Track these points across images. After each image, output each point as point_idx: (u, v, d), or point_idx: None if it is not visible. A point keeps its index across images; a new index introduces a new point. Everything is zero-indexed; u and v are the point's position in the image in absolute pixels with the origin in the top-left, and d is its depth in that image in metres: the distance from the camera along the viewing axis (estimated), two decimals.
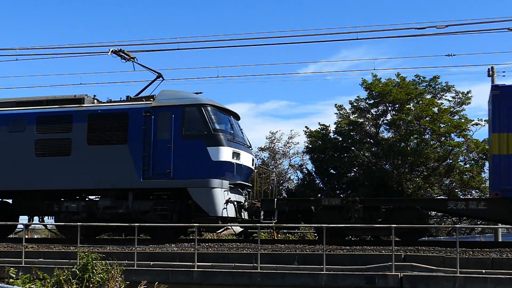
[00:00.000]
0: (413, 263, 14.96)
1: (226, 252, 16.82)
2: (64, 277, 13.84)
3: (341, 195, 33.59)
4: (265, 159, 39.27)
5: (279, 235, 26.27)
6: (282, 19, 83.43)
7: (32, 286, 14.38)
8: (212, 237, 25.88)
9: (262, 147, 39.16)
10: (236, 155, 19.71)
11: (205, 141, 19.23)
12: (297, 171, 38.83)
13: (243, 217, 19.88)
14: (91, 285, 13.65)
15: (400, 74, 34.86)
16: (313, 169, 36.06)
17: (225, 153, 19.28)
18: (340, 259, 15.65)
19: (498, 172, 17.68)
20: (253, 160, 21.37)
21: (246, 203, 20.09)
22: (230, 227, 21.50)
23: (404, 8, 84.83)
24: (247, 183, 20.79)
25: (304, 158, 38.63)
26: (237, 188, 20.04)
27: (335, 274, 14.77)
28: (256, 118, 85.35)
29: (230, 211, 19.12)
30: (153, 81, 22.17)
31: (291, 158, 39.84)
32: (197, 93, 20.78)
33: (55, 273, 14.09)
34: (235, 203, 19.48)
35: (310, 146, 36.02)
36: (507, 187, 17.46)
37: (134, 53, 22.31)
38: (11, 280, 14.78)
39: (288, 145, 39.98)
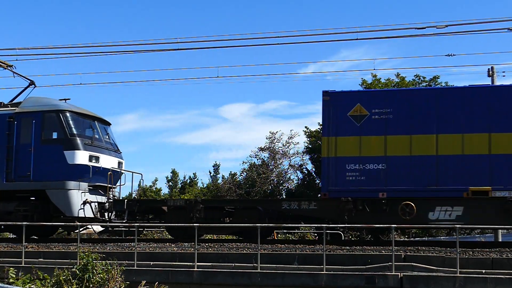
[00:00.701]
0: (413, 263, 14.97)
1: (226, 252, 16.83)
2: (64, 277, 13.85)
3: None
4: (265, 159, 39.27)
5: (277, 235, 26.26)
6: (282, 19, 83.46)
7: (32, 286, 14.39)
8: (212, 237, 25.89)
9: (262, 147, 39.12)
10: (94, 158, 21.18)
11: (62, 146, 20.82)
12: (297, 171, 38.83)
13: (105, 217, 21.07)
14: (91, 285, 13.66)
15: (400, 74, 34.92)
16: (313, 169, 36.05)
17: (81, 157, 20.79)
18: (340, 259, 15.66)
19: (326, 174, 19.02)
20: (119, 163, 22.67)
21: (107, 204, 21.12)
22: (89, 227, 22.78)
23: (404, 8, 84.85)
24: (112, 185, 21.81)
25: (304, 158, 38.63)
26: (98, 189, 21.30)
27: (335, 274, 14.78)
28: (256, 118, 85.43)
29: (87, 212, 20.55)
30: (25, 89, 23.85)
31: (291, 158, 39.82)
32: (64, 100, 22.24)
33: (55, 273, 14.10)
34: (95, 204, 20.84)
35: (310, 146, 36.03)
36: (334, 188, 18.77)
37: (134, 53, 22.34)
38: (11, 280, 14.79)
39: (288, 145, 39.98)
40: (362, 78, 36.02)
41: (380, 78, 34.94)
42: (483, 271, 14.29)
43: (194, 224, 17.27)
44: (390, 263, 14.66)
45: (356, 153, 18.87)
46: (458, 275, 13.99)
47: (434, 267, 14.74)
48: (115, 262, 14.48)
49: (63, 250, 18.26)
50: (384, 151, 18.70)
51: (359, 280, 14.52)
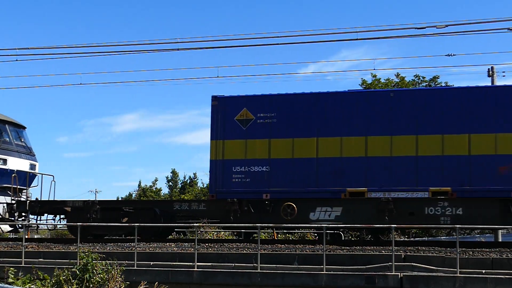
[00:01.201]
0: (413, 263, 14.97)
1: (226, 252, 16.83)
2: (64, 277, 13.85)
3: None
4: None
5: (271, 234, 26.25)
6: (282, 19, 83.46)
7: (32, 286, 14.39)
8: (212, 237, 25.90)
9: None
10: (2, 161, 22.44)
11: None
12: None
13: (14, 218, 21.84)
14: (91, 285, 13.67)
15: (399, 74, 34.93)
16: None
17: None
18: (340, 259, 15.66)
19: (214, 176, 20.03)
20: (32, 165, 23.75)
21: (15, 205, 21.76)
22: None
23: (404, 8, 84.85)
24: (22, 187, 22.89)
25: None
26: (7, 190, 22.27)
27: (335, 274, 14.78)
28: None
29: None
30: None
31: None
32: None
33: (55, 273, 14.11)
34: (4, 204, 21.84)
35: None
36: (221, 189, 19.84)
37: (134, 53, 22.31)
38: (11, 280, 14.79)
39: None
40: (362, 78, 36.07)
41: (380, 78, 34.99)
42: (483, 271, 14.29)
43: (195, 224, 17.29)
44: (390, 263, 14.66)
45: (242, 156, 19.85)
46: (458, 275, 13.99)
47: (434, 267, 14.74)
48: (115, 262, 14.48)
49: (63, 250, 18.25)
50: (268, 154, 19.68)
51: (359, 280, 14.52)
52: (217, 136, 20.10)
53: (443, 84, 35.07)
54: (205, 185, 50.05)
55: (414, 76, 34.90)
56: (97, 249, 16.94)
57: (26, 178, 23.08)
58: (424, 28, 19.36)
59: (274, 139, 19.69)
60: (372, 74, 34.75)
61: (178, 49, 21.62)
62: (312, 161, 19.36)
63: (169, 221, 20.09)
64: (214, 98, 20.27)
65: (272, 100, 20.00)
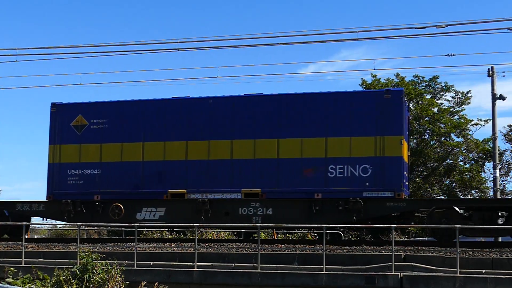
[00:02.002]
0: (413, 263, 14.96)
1: (226, 252, 16.82)
2: (64, 277, 13.85)
3: None
4: None
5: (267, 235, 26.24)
6: (282, 19, 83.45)
7: (32, 286, 14.38)
8: (213, 237, 25.92)
9: None
10: None
11: None
12: None
13: None
14: (91, 285, 13.66)
15: (399, 75, 34.90)
16: None
17: None
18: (340, 259, 15.65)
19: (51, 179, 21.36)
20: None
21: None
22: None
23: (404, 8, 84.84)
24: None
25: None
26: None
27: (335, 274, 14.78)
28: None
29: None
30: None
31: None
32: None
33: (55, 273, 14.10)
34: None
35: None
36: (58, 191, 21.15)
37: (134, 54, 22.31)
38: (11, 280, 14.78)
39: None
40: (362, 78, 36.02)
41: (380, 78, 34.94)
42: (483, 271, 14.28)
43: (194, 224, 17.30)
44: (390, 263, 14.66)
45: (76, 160, 21.21)
46: (458, 275, 13.99)
47: (434, 267, 14.73)
48: (115, 262, 14.48)
49: (63, 250, 18.25)
50: (100, 158, 21.06)
51: (359, 280, 14.52)
52: (54, 141, 21.47)
53: (443, 84, 35.06)
54: None
55: (414, 76, 34.90)
56: (97, 249, 16.94)
57: None
58: (424, 28, 19.36)
59: (105, 144, 21.07)
60: (372, 74, 34.73)
61: (178, 49, 21.61)
62: (139, 165, 20.71)
63: (17, 220, 21.29)
64: (53, 105, 21.66)
65: (104, 107, 21.37)
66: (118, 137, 20.94)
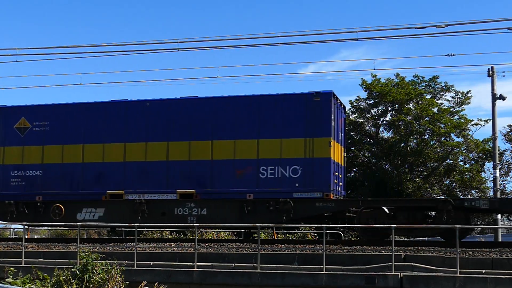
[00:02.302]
0: (413, 263, 14.96)
1: (226, 252, 16.82)
2: (64, 277, 13.84)
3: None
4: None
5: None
6: (282, 19, 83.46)
7: (32, 286, 14.37)
8: (213, 237, 25.92)
9: None
10: None
11: None
12: None
13: None
14: (91, 285, 13.65)
15: (399, 74, 34.88)
16: None
17: None
18: (340, 259, 15.65)
19: None
20: None
21: None
22: None
23: (404, 8, 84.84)
24: None
25: None
26: None
27: (335, 274, 14.77)
28: None
29: None
30: None
31: None
32: None
33: (55, 273, 14.09)
34: None
35: None
36: (1, 192, 21.73)
37: (133, 54, 22.31)
38: (11, 280, 14.78)
39: None
40: (362, 78, 36.00)
41: (380, 78, 34.92)
42: (483, 271, 14.28)
43: (194, 224, 17.30)
44: (390, 263, 14.66)
45: (19, 161, 21.78)
46: (458, 275, 13.99)
47: (434, 267, 14.73)
48: (115, 262, 14.47)
49: (63, 250, 18.26)
50: (42, 159, 21.56)
51: (359, 280, 14.52)
52: (3, 144, 22.09)
53: (443, 84, 35.04)
54: None
55: (414, 76, 34.87)
56: (97, 249, 16.94)
57: None
58: (424, 28, 19.33)
59: (47, 146, 21.59)
60: (372, 74, 34.71)
61: (178, 49, 21.57)
62: (79, 166, 21.28)
63: None
64: None
65: (46, 109, 21.82)
66: (60, 139, 21.47)
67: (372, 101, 34.80)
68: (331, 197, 19.22)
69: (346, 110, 29.71)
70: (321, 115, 19.44)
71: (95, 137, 21.19)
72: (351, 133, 34.79)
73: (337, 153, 20.27)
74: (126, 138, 20.92)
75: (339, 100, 20.83)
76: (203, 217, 19.90)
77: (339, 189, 20.65)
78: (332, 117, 19.62)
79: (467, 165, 34.17)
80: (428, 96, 34.50)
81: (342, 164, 21.28)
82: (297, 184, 19.34)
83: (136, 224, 17.78)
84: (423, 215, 18.87)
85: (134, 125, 20.89)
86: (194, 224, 17.44)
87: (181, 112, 20.61)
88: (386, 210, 18.75)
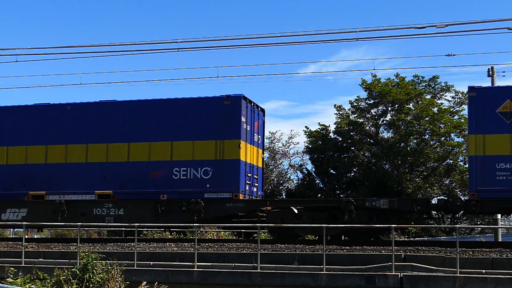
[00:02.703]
0: (413, 263, 14.96)
1: (226, 252, 16.82)
2: (64, 277, 13.83)
3: (341, 195, 33.60)
4: (265, 159, 39.27)
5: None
6: (283, 19, 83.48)
7: (32, 286, 14.37)
8: (213, 237, 25.91)
9: None
10: None
11: None
12: (297, 171, 38.81)
13: None
14: (91, 285, 13.64)
15: (399, 75, 34.87)
16: (313, 169, 36.01)
17: None
18: (340, 259, 15.65)
19: None
20: None
21: None
22: None
23: (404, 8, 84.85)
24: None
25: (304, 158, 38.62)
26: None
27: (335, 274, 14.77)
28: None
29: None
30: None
31: (291, 158, 39.84)
32: None
33: (55, 273, 14.08)
34: None
35: (310, 146, 35.99)
36: None
37: (133, 54, 22.29)
38: (10, 280, 14.77)
39: (288, 145, 39.96)
40: (362, 78, 35.98)
41: (380, 78, 34.91)
42: (483, 271, 14.28)
43: (195, 224, 17.31)
44: (390, 263, 14.65)
45: None
46: (458, 275, 13.99)
47: (434, 267, 14.73)
48: (115, 262, 14.46)
49: (63, 250, 18.26)
50: None
51: (359, 280, 14.52)
52: None
53: (443, 84, 35.02)
54: None
55: (414, 76, 34.84)
56: (97, 249, 16.94)
57: None
58: (424, 28, 19.32)
59: None
60: (372, 74, 34.69)
61: (178, 49, 21.57)
62: (3, 168, 21.93)
63: None
64: None
65: None
66: None
67: (372, 101, 34.77)
68: (240, 198, 19.87)
69: (346, 110, 29.80)
70: (231, 118, 20.20)
71: (18, 139, 21.87)
72: (351, 133, 34.78)
73: (250, 154, 21.01)
74: (48, 141, 21.61)
75: (254, 104, 21.62)
76: (120, 217, 20.67)
77: (255, 189, 21.44)
78: (243, 120, 20.41)
79: (467, 165, 34.12)
80: (428, 96, 34.49)
81: (260, 165, 22.04)
82: (208, 185, 20.07)
83: (136, 224, 17.78)
84: (328, 215, 19.51)
85: (55, 128, 21.60)
86: (194, 224, 17.44)
87: (99, 115, 21.37)
88: (295, 210, 19.43)
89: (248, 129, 20.77)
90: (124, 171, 20.85)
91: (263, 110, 22.54)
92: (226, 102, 20.20)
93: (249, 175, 20.81)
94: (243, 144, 20.30)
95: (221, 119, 20.22)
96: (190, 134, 20.44)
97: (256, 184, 21.53)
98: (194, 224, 17.45)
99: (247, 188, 20.59)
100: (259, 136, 22.04)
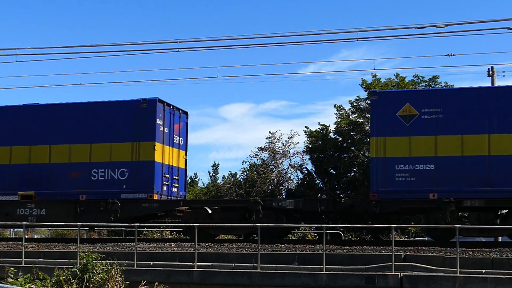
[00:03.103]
0: (413, 263, 14.96)
1: (226, 252, 16.82)
2: (64, 277, 13.83)
3: (341, 195, 33.59)
4: (265, 159, 39.22)
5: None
6: (283, 19, 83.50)
7: (32, 286, 14.37)
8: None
9: (262, 147, 39.01)
10: None
11: None
12: (297, 171, 38.76)
13: None
14: (91, 285, 13.64)
15: (399, 75, 34.86)
16: (313, 169, 35.98)
17: None
18: (340, 259, 15.65)
19: None
20: None
21: None
22: None
23: (404, 8, 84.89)
24: None
25: (304, 158, 38.58)
26: None
27: (335, 274, 14.78)
28: (256, 118, 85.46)
29: None
30: None
31: (291, 158, 39.78)
32: None
33: (55, 273, 14.08)
34: None
35: (310, 146, 35.97)
36: None
37: (132, 54, 22.31)
38: (10, 280, 14.78)
39: (288, 145, 39.94)
40: (362, 78, 35.96)
41: (380, 78, 34.90)
42: (483, 271, 14.28)
43: (195, 224, 17.29)
44: (390, 263, 14.65)
45: None
46: (458, 275, 13.99)
47: (434, 267, 14.74)
48: (115, 262, 14.46)
49: (63, 250, 18.26)
50: None
51: (359, 280, 14.52)
52: None
53: (443, 84, 35.01)
54: (205, 185, 50.08)
55: (414, 76, 34.81)
56: (97, 249, 16.94)
57: None
58: (424, 28, 19.32)
59: None
60: (372, 74, 34.69)
61: (178, 50, 21.57)
62: None
63: None
64: None
65: None
66: None
67: None
68: (155, 198, 20.59)
69: (346, 110, 29.71)
70: (147, 121, 20.84)
71: None
72: (351, 133, 34.76)
73: (169, 156, 21.75)
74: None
75: (175, 107, 22.25)
76: (42, 217, 21.22)
77: (175, 190, 22.18)
78: (160, 123, 21.09)
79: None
80: None
81: (182, 167, 22.77)
82: (124, 186, 20.72)
83: (136, 224, 17.78)
84: (239, 215, 20.12)
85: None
86: (195, 224, 17.43)
87: (22, 118, 21.88)
88: (209, 210, 20.18)
89: (166, 131, 21.51)
90: (46, 173, 21.45)
91: (186, 113, 23.25)
92: (142, 105, 20.93)
93: (167, 176, 21.55)
94: (159, 146, 21.01)
95: (137, 122, 20.90)
96: (108, 136, 21.13)
97: (177, 185, 22.33)
98: (194, 224, 17.43)
99: (164, 188, 21.40)
100: (181, 138, 22.82)
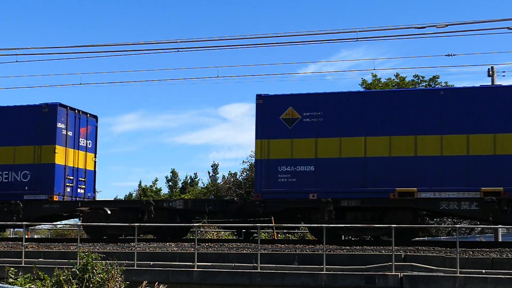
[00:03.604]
0: (413, 263, 14.96)
1: (226, 252, 16.82)
2: (64, 277, 13.83)
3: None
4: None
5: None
6: (283, 19, 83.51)
7: (32, 286, 14.37)
8: (213, 237, 25.90)
9: None
10: None
11: None
12: None
13: None
14: (91, 285, 13.65)
15: (399, 75, 34.89)
16: None
17: None
18: (340, 259, 15.65)
19: None
20: None
21: None
22: None
23: (404, 8, 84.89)
24: None
25: None
26: None
27: (335, 274, 14.77)
28: None
29: None
30: None
31: None
32: None
33: (55, 273, 14.09)
34: None
35: None
36: None
37: (131, 54, 22.27)
38: (11, 280, 14.78)
39: None
40: (362, 78, 36.02)
41: (380, 78, 34.94)
42: (483, 271, 14.28)
43: (195, 224, 17.32)
44: (390, 263, 14.65)
45: None
46: (458, 275, 13.99)
47: (434, 267, 14.73)
48: (115, 262, 14.47)
49: (63, 250, 18.25)
50: None
51: (359, 280, 14.52)
52: None
53: (443, 84, 35.04)
54: (205, 185, 50.08)
55: (414, 76, 34.86)
56: (97, 249, 16.94)
57: None
58: (424, 28, 19.29)
59: None
60: (372, 74, 34.73)
61: (178, 50, 21.55)
62: None
63: None
64: None
65: None
66: None
67: None
68: (55, 199, 21.27)
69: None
70: (48, 125, 21.59)
71: None
72: None
73: (73, 159, 22.47)
74: None
75: (81, 111, 22.93)
76: None
77: (82, 191, 22.97)
78: (62, 126, 21.83)
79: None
80: None
81: (90, 168, 23.59)
82: (26, 188, 21.49)
83: (136, 224, 17.78)
84: (135, 215, 20.78)
85: None
86: (194, 224, 17.44)
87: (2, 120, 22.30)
88: (108, 210, 20.76)
89: (70, 134, 22.32)
90: None
91: (95, 117, 23.96)
92: (44, 110, 21.64)
93: (71, 178, 22.32)
94: (62, 149, 21.77)
95: (39, 126, 21.61)
96: (12, 139, 21.83)
97: (83, 186, 23.11)
98: (194, 224, 17.45)
99: (68, 190, 22.15)
100: (89, 141, 23.58)
